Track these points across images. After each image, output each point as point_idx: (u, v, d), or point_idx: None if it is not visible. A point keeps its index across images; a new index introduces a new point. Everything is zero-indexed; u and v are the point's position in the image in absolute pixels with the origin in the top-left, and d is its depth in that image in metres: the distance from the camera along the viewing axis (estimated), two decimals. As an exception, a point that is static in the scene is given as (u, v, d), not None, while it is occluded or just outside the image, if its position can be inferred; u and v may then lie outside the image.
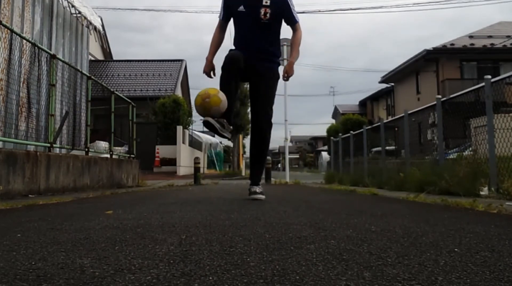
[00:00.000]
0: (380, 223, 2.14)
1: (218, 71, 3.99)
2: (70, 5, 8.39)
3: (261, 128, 3.99)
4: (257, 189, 3.97)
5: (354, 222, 2.19)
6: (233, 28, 4.10)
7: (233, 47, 4.00)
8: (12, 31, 5.10)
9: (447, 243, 1.54)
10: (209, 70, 4.05)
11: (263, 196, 3.93)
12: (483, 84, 4.54)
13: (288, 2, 3.92)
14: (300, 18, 4.05)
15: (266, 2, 3.82)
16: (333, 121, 38.10)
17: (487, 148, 4.49)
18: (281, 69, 4.12)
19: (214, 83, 11.83)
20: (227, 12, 4.03)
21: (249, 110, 21.88)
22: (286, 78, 3.99)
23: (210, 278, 1.06)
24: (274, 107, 4.07)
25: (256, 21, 3.84)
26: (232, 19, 4.05)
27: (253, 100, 4.06)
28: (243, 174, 21.81)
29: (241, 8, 3.87)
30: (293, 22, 3.98)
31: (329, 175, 11.65)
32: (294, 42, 4.06)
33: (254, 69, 3.90)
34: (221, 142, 38.49)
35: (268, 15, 3.82)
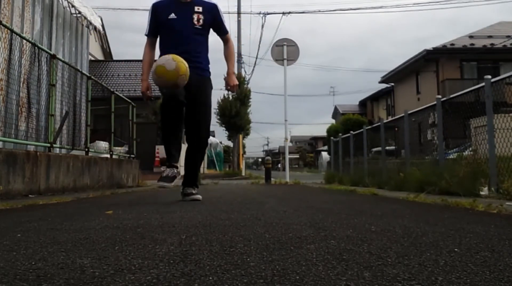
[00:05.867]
0: (380, 223, 2.14)
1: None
2: (70, 5, 8.40)
3: (201, 139, 3.88)
4: (193, 190, 3.86)
5: (354, 222, 2.19)
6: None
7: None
8: (12, 31, 5.10)
9: (447, 243, 1.54)
10: (145, 89, 3.99)
11: (200, 196, 3.84)
12: (483, 84, 4.54)
13: (219, 10, 3.94)
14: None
15: (199, 9, 3.82)
16: (333, 121, 38.15)
17: (487, 148, 4.49)
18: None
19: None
20: (155, 26, 3.89)
21: (249, 109, 22.01)
22: (231, 88, 4.01)
23: (210, 278, 1.06)
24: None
25: (189, 27, 3.79)
26: (159, 35, 3.93)
27: (191, 110, 3.83)
28: (243, 174, 21.82)
29: (172, 15, 3.81)
30: (224, 31, 4.03)
31: (329, 175, 11.64)
32: (230, 54, 4.09)
33: (189, 78, 3.68)
34: (221, 142, 38.48)
35: (201, 21, 3.81)
